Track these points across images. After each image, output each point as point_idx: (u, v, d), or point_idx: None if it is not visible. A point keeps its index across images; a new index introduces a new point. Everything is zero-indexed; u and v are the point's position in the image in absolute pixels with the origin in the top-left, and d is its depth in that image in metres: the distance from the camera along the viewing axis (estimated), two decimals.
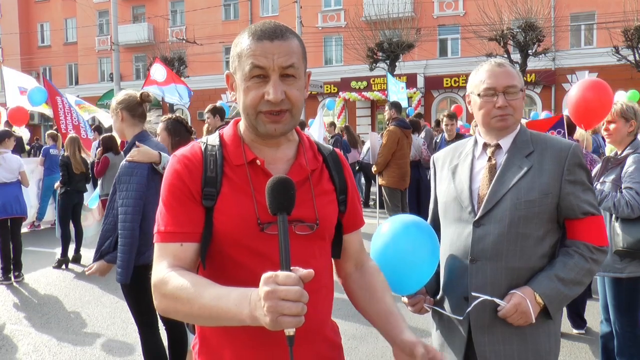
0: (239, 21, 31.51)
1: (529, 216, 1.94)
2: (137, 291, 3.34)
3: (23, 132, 12.19)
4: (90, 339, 4.96)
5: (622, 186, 3.28)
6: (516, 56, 22.48)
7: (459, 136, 7.87)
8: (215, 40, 30.09)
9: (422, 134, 10.30)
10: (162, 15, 31.76)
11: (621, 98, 12.70)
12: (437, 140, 9.40)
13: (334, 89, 27.89)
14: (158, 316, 3.54)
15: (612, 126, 3.47)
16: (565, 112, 5.39)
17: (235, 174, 1.41)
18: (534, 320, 1.88)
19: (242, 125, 1.48)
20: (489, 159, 2.06)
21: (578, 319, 4.86)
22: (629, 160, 3.33)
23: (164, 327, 3.68)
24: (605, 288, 3.49)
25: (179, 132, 3.89)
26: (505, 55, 22.25)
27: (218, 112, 6.44)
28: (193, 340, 1.57)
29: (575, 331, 4.84)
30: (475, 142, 2.14)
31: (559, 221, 2.00)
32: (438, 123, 13.83)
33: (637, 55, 21.61)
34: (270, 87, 1.34)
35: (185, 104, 11.20)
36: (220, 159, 1.42)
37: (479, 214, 2.00)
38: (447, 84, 27.10)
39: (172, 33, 31.85)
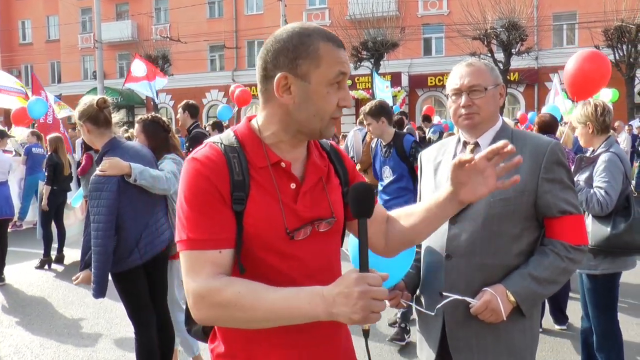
0: (223, 19, 31.42)
1: (504, 214, 1.95)
2: (129, 293, 3.41)
3: (19, 132, 11.99)
4: (74, 340, 4.93)
5: (593, 185, 3.34)
6: (500, 55, 22.69)
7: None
8: (200, 39, 29.96)
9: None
10: (145, 13, 31.51)
11: (605, 96, 12.79)
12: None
13: None
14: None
15: (576, 132, 3.57)
16: (545, 109, 5.49)
17: (261, 176, 1.39)
18: (504, 318, 1.90)
19: (262, 126, 1.44)
20: None
21: (560, 315, 4.94)
22: (600, 159, 3.39)
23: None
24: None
25: (156, 132, 3.84)
26: (489, 54, 22.46)
27: (188, 108, 6.46)
28: (212, 342, 1.55)
29: (557, 327, 4.92)
30: (459, 139, 2.17)
31: (538, 219, 2.00)
32: (426, 118, 13.92)
33: (617, 55, 21.90)
34: (347, 94, 1.39)
35: (153, 98, 11.16)
36: (245, 161, 1.38)
37: None
38: (431, 82, 27.25)
39: (156, 31, 31.60)
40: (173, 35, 28.15)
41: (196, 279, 1.31)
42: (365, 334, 1.28)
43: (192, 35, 29.47)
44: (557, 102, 12.51)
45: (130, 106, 31.23)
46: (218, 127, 8.06)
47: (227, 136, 1.44)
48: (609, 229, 3.26)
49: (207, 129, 6.86)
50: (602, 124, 3.52)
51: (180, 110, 6.42)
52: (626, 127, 13.67)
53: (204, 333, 1.58)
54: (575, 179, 3.50)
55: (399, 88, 25.61)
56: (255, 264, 1.38)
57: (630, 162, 12.73)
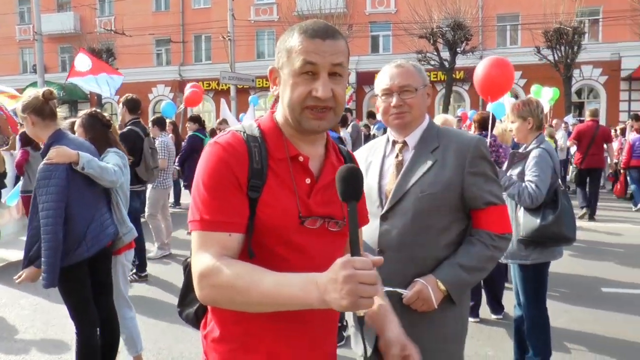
0: (169, 12, 30.82)
1: (432, 208, 2.04)
2: (73, 290, 3.34)
3: None
4: (6, 345, 4.74)
5: (525, 179, 3.48)
6: (445, 54, 23.20)
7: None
8: (146, 32, 29.27)
9: (349, 129, 10.47)
10: (88, 5, 30.51)
11: (547, 95, 13.24)
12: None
13: (267, 84, 27.36)
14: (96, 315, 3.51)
15: (513, 126, 3.68)
16: (489, 107, 5.68)
17: (279, 167, 1.43)
18: (435, 306, 1.99)
19: (280, 118, 1.49)
20: (397, 156, 2.17)
21: (496, 305, 5.12)
22: (531, 154, 3.53)
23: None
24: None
25: (94, 127, 3.80)
26: (435, 53, 22.94)
27: (127, 103, 6.33)
28: (205, 325, 1.55)
29: (493, 316, 5.09)
30: (388, 139, 2.24)
31: (465, 211, 2.10)
32: (371, 115, 14.03)
33: (556, 56, 22.81)
34: (319, 84, 1.37)
35: (110, 96, 10.82)
36: (265, 151, 1.42)
37: (385, 208, 2.11)
38: None
39: (101, 23, 30.68)
40: (118, 29, 27.37)
41: (202, 258, 1.33)
42: (360, 320, 1.24)
43: (138, 28, 28.77)
44: (504, 100, 12.90)
45: (74, 101, 30.21)
46: (159, 123, 7.88)
47: (249, 126, 1.48)
48: (538, 221, 3.41)
49: (149, 124, 6.71)
50: (540, 120, 3.67)
51: (120, 105, 6.26)
52: (562, 125, 14.23)
53: (196, 317, 1.58)
54: (508, 173, 3.63)
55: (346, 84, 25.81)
56: (263, 254, 1.39)
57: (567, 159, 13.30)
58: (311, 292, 1.20)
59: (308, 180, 1.45)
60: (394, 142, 2.20)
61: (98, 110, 3.98)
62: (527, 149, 3.60)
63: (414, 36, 23.19)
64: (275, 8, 29.11)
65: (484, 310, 5.14)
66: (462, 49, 23.04)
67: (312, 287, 1.20)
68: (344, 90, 1.44)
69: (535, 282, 3.56)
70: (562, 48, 22.61)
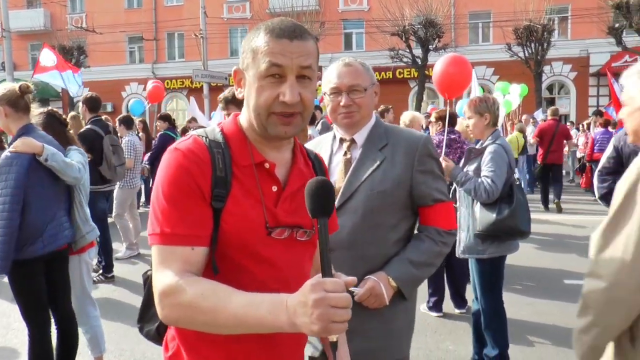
0: (142, 9, 30.46)
1: (382, 206, 2.05)
2: (25, 288, 3.31)
3: None
4: None
5: (481, 174, 3.54)
6: (418, 51, 23.36)
7: None
8: (118, 29, 28.90)
9: (318, 127, 10.47)
10: (58, 2, 29.98)
11: (515, 91, 13.45)
12: None
13: None
14: (51, 315, 3.47)
15: (470, 122, 3.74)
16: (459, 104, 5.79)
17: (244, 175, 1.35)
18: (387, 302, 2.00)
19: (244, 122, 1.41)
20: (345, 154, 2.17)
21: (459, 300, 5.19)
22: (487, 150, 3.59)
23: (55, 329, 3.57)
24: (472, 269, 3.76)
25: (52, 126, 3.76)
26: (407, 50, 23.07)
27: (87, 102, 6.26)
28: (166, 346, 1.46)
29: (457, 311, 5.16)
30: (334, 137, 2.24)
31: (413, 208, 2.13)
32: None
33: (526, 52, 23.15)
34: (286, 88, 1.29)
35: (77, 93, 10.66)
36: (229, 158, 1.34)
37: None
38: None
39: (72, 20, 30.19)
40: (89, 26, 26.94)
41: (163, 275, 1.25)
42: (333, 346, 1.16)
43: (110, 25, 28.38)
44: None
45: (45, 99, 29.64)
46: (125, 122, 7.79)
47: (212, 131, 1.39)
48: (494, 215, 3.47)
49: (117, 123, 6.64)
50: (496, 117, 3.73)
51: (79, 104, 6.19)
52: (531, 119, 14.49)
53: (158, 334, 1.49)
54: (465, 169, 3.68)
55: (319, 82, 25.81)
56: (229, 267, 1.32)
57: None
58: (280, 315, 1.13)
59: (275, 188, 1.39)
60: (342, 140, 2.20)
61: (54, 109, 3.97)
62: (483, 145, 3.66)
63: (386, 33, 23.28)
64: (248, 5, 28.96)
65: (448, 305, 5.21)
66: (434, 46, 23.22)
67: (281, 309, 1.13)
68: (313, 94, 1.37)
69: (492, 275, 3.63)
70: (532, 45, 22.97)
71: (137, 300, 5.42)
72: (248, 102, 1.36)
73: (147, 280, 1.50)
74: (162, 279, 1.25)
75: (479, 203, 3.54)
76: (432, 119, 5.39)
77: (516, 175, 3.72)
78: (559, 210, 10.65)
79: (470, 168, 3.64)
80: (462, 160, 3.84)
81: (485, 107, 3.70)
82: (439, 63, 4.93)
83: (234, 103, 3.84)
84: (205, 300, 1.18)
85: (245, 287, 1.23)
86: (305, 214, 1.35)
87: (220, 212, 1.30)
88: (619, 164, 3.88)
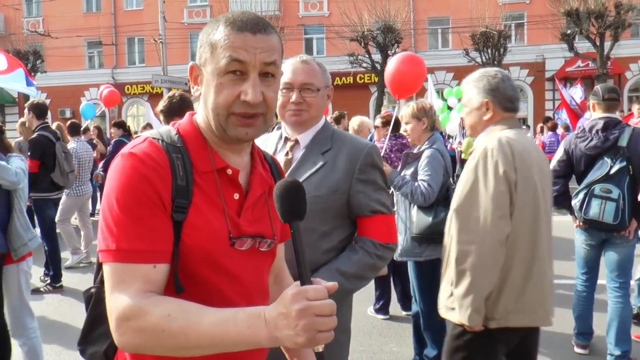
0: (101, 14, 29.97)
1: (314, 211, 1.90)
2: None
3: None
4: None
5: (418, 178, 3.62)
6: (377, 56, 23.63)
7: None
8: (76, 34, 28.34)
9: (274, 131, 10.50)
10: (12, 5, 29.23)
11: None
12: None
13: None
14: None
15: (408, 127, 3.82)
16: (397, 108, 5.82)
17: (205, 182, 1.23)
18: None
19: (202, 123, 1.28)
20: (287, 154, 2.09)
21: (407, 301, 5.26)
22: (424, 154, 3.68)
23: None
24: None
25: None
26: (367, 55, 23.31)
27: (33, 109, 6.14)
28: None
29: (404, 313, 5.23)
30: (281, 135, 2.17)
31: (350, 217, 2.04)
32: None
33: (483, 58, 23.69)
34: (248, 86, 1.18)
35: (35, 95, 10.42)
36: (189, 163, 1.21)
37: None
38: None
39: (28, 24, 29.47)
40: (46, 30, 26.37)
41: (122, 297, 1.11)
42: (319, 357, 1.08)
43: (67, 30, 27.81)
44: (432, 101, 13.35)
45: (0, 105, 29.00)
46: (70, 128, 7.65)
47: (167, 133, 1.25)
48: (430, 218, 3.55)
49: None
50: (433, 122, 3.82)
51: (25, 110, 6.07)
52: None
53: (106, 357, 1.33)
54: (402, 173, 3.76)
55: None
56: (191, 283, 1.21)
57: None
58: (259, 329, 1.05)
59: (236, 196, 1.28)
60: (286, 139, 2.12)
61: None
62: (420, 150, 3.75)
63: (346, 39, 23.50)
64: (208, 10, 28.81)
65: (395, 307, 5.28)
66: (393, 51, 23.54)
67: (259, 323, 1.05)
68: (276, 94, 1.27)
69: (430, 277, 3.69)
70: (489, 50, 23.52)
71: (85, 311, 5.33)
72: (206, 101, 1.23)
73: (90, 298, 1.39)
74: (120, 301, 1.11)
75: (415, 206, 3.62)
76: (378, 123, 5.38)
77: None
78: None
79: (408, 172, 3.72)
80: (400, 165, 3.92)
81: (424, 113, 3.79)
82: (392, 61, 4.86)
83: (176, 114, 3.59)
84: (173, 322, 1.07)
85: (209, 304, 1.14)
86: (267, 223, 1.33)
87: (182, 225, 1.18)
88: (569, 167, 3.97)
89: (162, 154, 1.19)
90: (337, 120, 9.26)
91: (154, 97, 24.84)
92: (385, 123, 5.22)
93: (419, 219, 3.57)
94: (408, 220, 3.64)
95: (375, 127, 5.48)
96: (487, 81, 2.48)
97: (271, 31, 1.23)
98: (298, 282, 1.08)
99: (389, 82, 4.89)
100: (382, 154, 4.87)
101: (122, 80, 29.42)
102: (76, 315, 5.38)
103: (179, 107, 3.67)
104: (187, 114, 1.33)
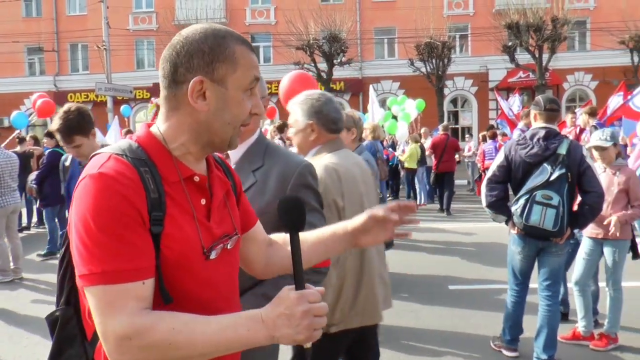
0: (42, 19, 29.09)
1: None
2: None
3: None
4: None
5: None
6: (323, 65, 23.82)
7: None
8: (15, 39, 27.37)
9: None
10: None
11: (411, 105, 14.17)
12: None
13: (147, 95, 26.73)
14: None
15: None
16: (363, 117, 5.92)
17: (175, 192, 1.26)
18: None
19: (169, 136, 1.30)
20: None
21: None
22: None
23: None
24: None
25: None
26: (313, 64, 23.47)
27: None
28: None
29: None
30: None
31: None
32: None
33: (428, 68, 24.26)
34: (257, 101, 1.33)
35: None
36: (157, 175, 1.24)
37: None
38: None
39: None
40: None
41: (119, 318, 1.12)
42: (307, 352, 1.26)
43: (5, 35, 26.91)
44: (374, 110, 13.54)
45: None
46: None
47: (129, 147, 1.26)
48: None
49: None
50: (361, 132, 3.85)
51: None
52: (431, 133, 15.20)
53: None
54: None
55: None
56: (171, 293, 1.23)
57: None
58: (258, 330, 1.17)
59: (203, 201, 1.32)
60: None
61: None
62: None
63: (291, 48, 23.63)
64: (154, 17, 28.41)
65: None
66: (338, 60, 23.79)
67: (258, 325, 1.17)
68: None
69: None
70: (434, 61, 24.10)
71: (15, 331, 5.13)
72: (217, 116, 1.27)
73: (56, 322, 1.36)
74: (118, 322, 1.12)
75: None
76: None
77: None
78: (448, 214, 11.81)
79: None
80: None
81: (353, 123, 3.82)
82: (284, 80, 4.99)
83: (77, 131, 3.40)
84: (179, 334, 1.13)
85: (189, 310, 1.20)
86: (228, 221, 1.40)
87: (160, 237, 1.21)
88: (508, 173, 3.99)
89: (132, 170, 1.20)
90: (280, 129, 9.26)
91: (99, 106, 24.28)
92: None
93: None
94: None
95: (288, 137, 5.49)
96: (311, 104, 2.54)
97: None
98: (292, 287, 1.20)
99: (283, 99, 5.05)
100: None
101: (64, 88, 28.63)
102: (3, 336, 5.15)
103: (77, 123, 3.39)
104: (142, 126, 1.34)
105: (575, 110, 10.81)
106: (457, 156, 12.90)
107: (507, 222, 4.07)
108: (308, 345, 1.21)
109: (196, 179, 1.31)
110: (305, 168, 2.01)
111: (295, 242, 1.23)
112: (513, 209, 3.92)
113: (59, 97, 28.90)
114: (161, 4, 27.71)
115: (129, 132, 11.02)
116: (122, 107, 19.87)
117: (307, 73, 5.25)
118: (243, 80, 1.28)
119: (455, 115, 29.03)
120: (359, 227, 1.53)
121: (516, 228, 3.99)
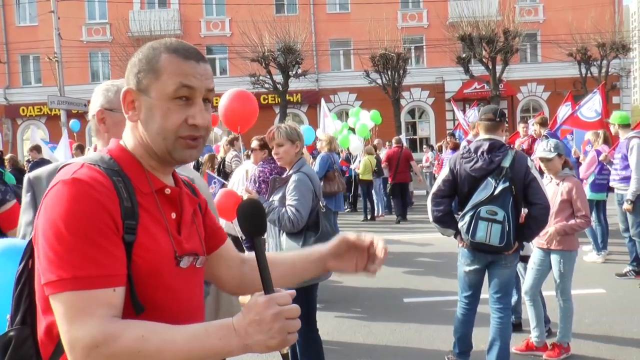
0: None
1: None
2: None
3: None
4: None
5: (286, 203, 3.54)
6: (279, 77, 23.76)
7: None
8: None
9: None
10: None
11: (365, 118, 14.26)
12: None
13: None
14: None
15: (280, 149, 3.73)
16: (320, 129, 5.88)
17: (147, 203, 1.27)
18: None
19: (137, 148, 1.31)
20: None
21: None
22: (291, 178, 3.60)
23: None
24: None
25: None
26: (268, 76, 23.39)
27: None
28: None
29: None
30: None
31: None
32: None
33: (384, 79, 24.51)
34: (196, 111, 1.26)
35: None
36: (130, 185, 1.24)
37: None
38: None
39: None
40: None
41: (87, 325, 1.09)
42: (285, 358, 1.24)
43: None
44: (327, 123, 13.53)
45: None
46: None
47: (101, 159, 1.27)
48: (300, 244, 3.46)
49: None
50: (303, 146, 3.76)
51: None
52: (386, 144, 15.39)
53: None
54: (270, 199, 3.66)
55: None
56: (143, 304, 1.22)
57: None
58: (231, 338, 1.13)
59: (174, 215, 1.33)
60: None
61: None
62: (288, 174, 3.67)
63: (247, 59, 23.51)
64: (108, 29, 27.86)
65: None
66: (294, 72, 23.78)
67: (230, 333, 1.13)
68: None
69: (304, 304, 3.59)
70: (389, 72, 24.35)
71: None
72: (147, 126, 1.27)
73: (9, 343, 1.29)
74: (86, 329, 1.09)
75: (284, 233, 3.53)
76: (255, 145, 5.23)
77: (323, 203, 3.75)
78: (404, 219, 12.40)
79: (276, 198, 3.63)
80: (268, 191, 3.82)
81: (297, 135, 3.72)
82: (224, 98, 5.01)
83: None
84: (148, 342, 1.11)
85: (156, 319, 1.18)
86: (197, 241, 1.39)
87: (132, 246, 1.20)
88: (454, 187, 3.93)
89: (105, 178, 1.21)
90: (231, 142, 9.16)
91: (52, 119, 23.55)
92: (263, 146, 5.09)
93: (289, 246, 3.48)
94: (278, 247, 3.55)
95: (252, 149, 5.34)
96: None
97: (207, 60, 1.32)
98: (261, 292, 1.17)
99: (224, 118, 5.23)
100: (255, 179, 4.75)
101: (16, 101, 27.76)
102: None
103: None
104: (113, 141, 1.35)
105: (528, 121, 11.05)
106: (411, 167, 13.23)
107: (455, 236, 4.03)
108: (284, 350, 1.20)
109: (167, 191, 1.32)
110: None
111: (258, 247, 1.22)
112: (459, 225, 3.86)
113: (11, 110, 27.93)
114: (115, 15, 27.15)
115: (80, 147, 10.69)
116: (71, 122, 19.24)
117: (246, 91, 5.21)
118: (166, 88, 1.25)
119: (413, 126, 29.39)
120: (330, 251, 1.57)
121: (464, 243, 3.96)
